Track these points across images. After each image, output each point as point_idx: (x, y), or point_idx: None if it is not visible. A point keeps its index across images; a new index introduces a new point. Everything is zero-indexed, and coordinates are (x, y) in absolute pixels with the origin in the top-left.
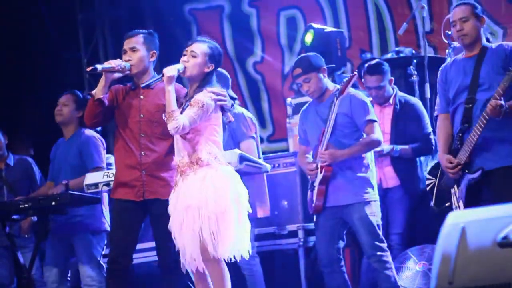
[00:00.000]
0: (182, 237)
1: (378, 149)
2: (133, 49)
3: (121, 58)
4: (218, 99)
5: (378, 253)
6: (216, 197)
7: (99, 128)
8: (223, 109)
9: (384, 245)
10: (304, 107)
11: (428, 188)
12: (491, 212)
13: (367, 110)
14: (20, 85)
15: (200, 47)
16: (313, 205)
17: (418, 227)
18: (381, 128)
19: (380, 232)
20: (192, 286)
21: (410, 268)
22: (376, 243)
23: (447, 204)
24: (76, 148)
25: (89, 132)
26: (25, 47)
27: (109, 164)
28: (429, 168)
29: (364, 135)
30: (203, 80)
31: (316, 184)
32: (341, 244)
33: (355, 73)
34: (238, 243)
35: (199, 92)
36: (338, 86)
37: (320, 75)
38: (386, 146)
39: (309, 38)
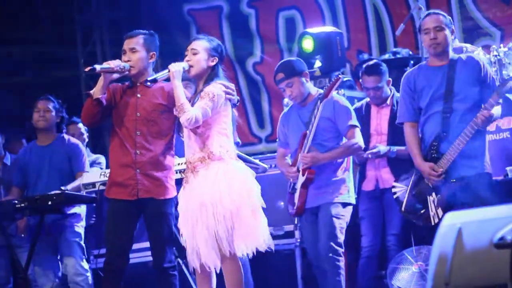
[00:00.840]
0: (195, 236)
1: (374, 150)
2: (132, 50)
3: (119, 58)
4: (227, 92)
5: (331, 255)
6: (229, 192)
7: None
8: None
9: (340, 250)
10: (285, 110)
11: (395, 197)
12: (487, 213)
13: (350, 116)
14: (17, 84)
15: (199, 44)
16: (295, 207)
17: (414, 228)
18: (378, 129)
19: (341, 236)
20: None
21: (407, 269)
22: (332, 244)
23: (422, 211)
24: (63, 153)
25: (71, 137)
26: (23, 47)
27: (98, 163)
28: None
29: (345, 140)
30: (210, 74)
31: (298, 186)
32: None
33: (340, 76)
34: (253, 238)
35: (207, 86)
36: (321, 91)
37: (302, 79)
38: (383, 147)
39: (309, 44)
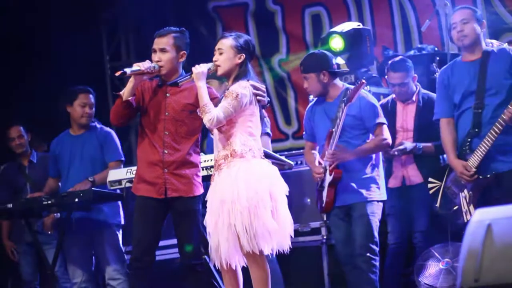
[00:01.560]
0: (217, 233)
1: (401, 147)
2: (163, 50)
3: (144, 56)
4: (257, 94)
5: (368, 254)
6: (247, 190)
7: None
8: (259, 104)
9: (376, 248)
10: (312, 102)
11: (431, 192)
12: None
13: (377, 113)
14: (42, 83)
15: (225, 42)
16: (323, 205)
17: (442, 224)
18: (404, 125)
19: (376, 235)
20: (215, 283)
21: (434, 266)
22: (369, 244)
23: (454, 208)
24: (96, 141)
25: (103, 126)
26: (47, 45)
27: None
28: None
29: (372, 137)
30: (238, 72)
31: (326, 184)
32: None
33: (363, 81)
34: (274, 236)
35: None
36: (347, 85)
37: (320, 76)
38: (409, 144)
39: (337, 43)
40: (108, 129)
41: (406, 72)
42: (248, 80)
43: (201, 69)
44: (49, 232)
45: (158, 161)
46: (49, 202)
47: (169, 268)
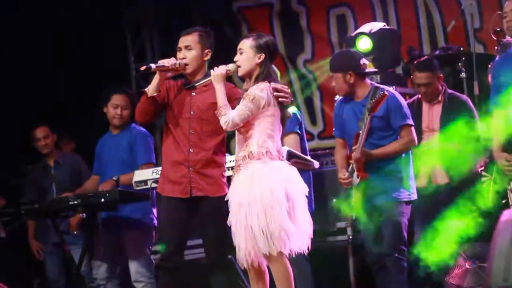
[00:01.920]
0: (237, 234)
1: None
2: (188, 48)
3: (169, 55)
4: (278, 95)
5: (396, 254)
6: (263, 192)
7: None
8: (282, 104)
9: (405, 249)
10: (340, 98)
11: (484, 185)
12: None
13: (404, 113)
14: (66, 82)
15: (245, 42)
16: (351, 206)
17: (469, 224)
18: (430, 125)
19: (405, 235)
20: (242, 284)
21: (461, 266)
22: (398, 244)
23: (503, 201)
24: (126, 142)
25: (139, 127)
26: (71, 45)
27: None
28: None
29: (399, 137)
30: (258, 73)
31: (354, 187)
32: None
33: (386, 93)
34: (292, 237)
35: (254, 85)
36: (376, 84)
37: (345, 77)
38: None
39: (366, 44)
40: (142, 130)
41: (432, 72)
42: (267, 81)
43: (219, 71)
44: (75, 232)
45: (184, 160)
46: (76, 202)
47: (195, 268)
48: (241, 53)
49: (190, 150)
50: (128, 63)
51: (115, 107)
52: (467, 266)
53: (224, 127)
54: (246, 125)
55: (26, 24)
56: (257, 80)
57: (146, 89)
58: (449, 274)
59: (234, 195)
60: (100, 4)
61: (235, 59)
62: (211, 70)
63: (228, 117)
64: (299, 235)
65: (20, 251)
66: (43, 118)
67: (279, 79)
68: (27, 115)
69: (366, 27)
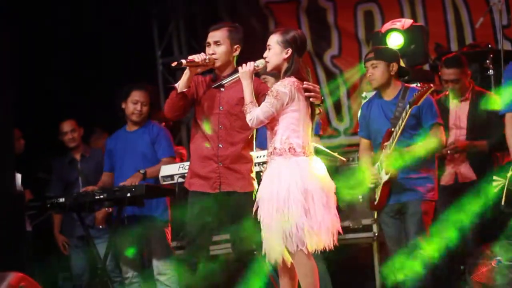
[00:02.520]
0: (263, 229)
1: (453, 146)
2: (217, 43)
3: (195, 52)
4: (309, 95)
5: (421, 252)
6: (279, 190)
7: None
8: (312, 103)
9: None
10: (368, 99)
11: (495, 190)
12: None
13: (435, 113)
14: (95, 78)
15: (272, 38)
16: (375, 202)
17: (494, 222)
18: (457, 123)
19: (428, 233)
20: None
21: (487, 264)
22: (422, 242)
23: None
24: (148, 137)
25: (158, 123)
26: (99, 43)
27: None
28: None
29: (428, 136)
30: (286, 68)
31: (380, 182)
32: None
33: (432, 85)
34: (313, 235)
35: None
36: (406, 85)
37: (389, 67)
38: (462, 142)
39: (398, 40)
40: (161, 126)
41: (460, 68)
42: (295, 77)
43: (246, 68)
44: (101, 227)
45: (213, 155)
46: (101, 196)
47: (222, 263)
48: (269, 49)
49: (220, 145)
50: (154, 58)
51: (135, 103)
52: (493, 265)
53: (249, 124)
54: (271, 122)
55: (51, 21)
56: (285, 75)
57: (176, 85)
58: (475, 272)
59: (260, 191)
60: (127, 2)
61: (264, 55)
62: (239, 67)
63: (253, 114)
64: (321, 232)
65: (46, 245)
66: (70, 112)
67: (309, 77)
68: (54, 109)
69: (397, 23)
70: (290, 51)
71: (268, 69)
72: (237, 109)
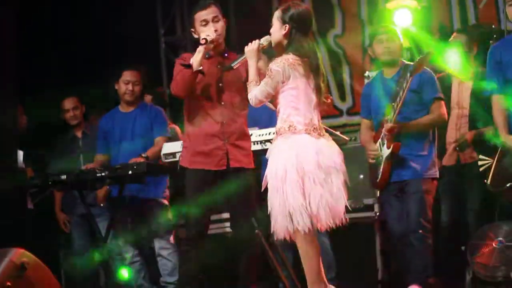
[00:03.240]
0: (268, 207)
1: (462, 141)
2: (215, 19)
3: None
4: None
5: (421, 231)
6: (277, 169)
7: None
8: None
9: (429, 226)
10: (369, 80)
11: (481, 169)
12: None
13: (436, 87)
14: (96, 58)
15: (275, 15)
16: (377, 180)
17: (495, 203)
18: (459, 102)
19: (429, 212)
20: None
21: (487, 245)
22: (422, 221)
23: (507, 185)
24: (146, 119)
25: (153, 104)
26: (101, 21)
27: None
28: None
29: (429, 112)
30: (285, 45)
31: (382, 159)
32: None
33: (430, 51)
34: (310, 214)
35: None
36: (408, 62)
37: (401, 48)
38: (469, 135)
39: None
40: (157, 107)
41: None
42: (293, 53)
43: (251, 47)
44: (102, 205)
45: (218, 132)
46: (103, 174)
47: (222, 242)
48: (272, 26)
49: (224, 122)
50: (158, 38)
51: (126, 83)
52: (494, 246)
53: (250, 103)
54: (275, 101)
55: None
56: (287, 53)
57: (191, 63)
58: (475, 253)
59: (266, 170)
60: None
61: (270, 31)
62: (245, 47)
63: (252, 94)
64: (319, 212)
65: (47, 223)
66: (70, 89)
67: (314, 54)
68: (56, 86)
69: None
70: (287, 27)
71: (273, 45)
72: (236, 86)
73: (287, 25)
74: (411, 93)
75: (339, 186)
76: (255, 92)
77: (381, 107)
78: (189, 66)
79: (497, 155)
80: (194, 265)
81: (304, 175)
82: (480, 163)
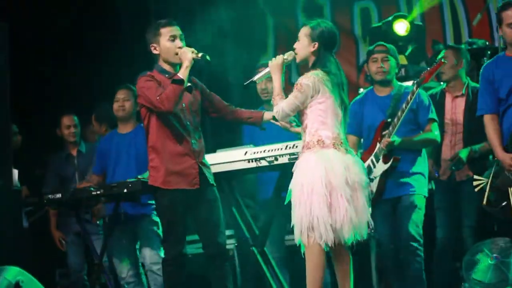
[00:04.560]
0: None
1: (457, 158)
2: (181, 37)
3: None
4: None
5: (415, 245)
6: (304, 182)
7: None
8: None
9: (421, 240)
10: (359, 96)
11: (476, 190)
12: None
13: (430, 109)
14: (92, 75)
15: (302, 30)
16: (372, 197)
17: (490, 219)
18: (453, 118)
19: (421, 227)
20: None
21: (483, 261)
22: (415, 235)
23: (503, 204)
24: (142, 141)
25: None
26: (97, 40)
27: None
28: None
29: (422, 132)
30: (314, 61)
31: (377, 175)
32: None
33: (443, 61)
34: (334, 230)
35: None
36: (403, 85)
37: (396, 67)
38: (464, 153)
39: (403, 28)
40: None
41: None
42: (320, 70)
43: (275, 61)
44: (97, 222)
45: (189, 151)
46: (98, 192)
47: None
48: (298, 40)
49: (193, 141)
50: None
51: (117, 101)
52: (489, 262)
53: (276, 117)
54: (302, 115)
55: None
56: (315, 68)
57: (181, 78)
58: (471, 269)
59: (291, 184)
60: None
61: (294, 46)
62: (269, 62)
63: (278, 107)
64: (343, 228)
65: (42, 241)
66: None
67: (339, 71)
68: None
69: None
70: (317, 45)
71: (297, 60)
72: (195, 106)
73: (316, 43)
74: (409, 111)
75: (364, 202)
76: (282, 105)
77: (375, 125)
78: (182, 81)
79: (491, 174)
80: (181, 285)
81: (332, 190)
82: (475, 183)
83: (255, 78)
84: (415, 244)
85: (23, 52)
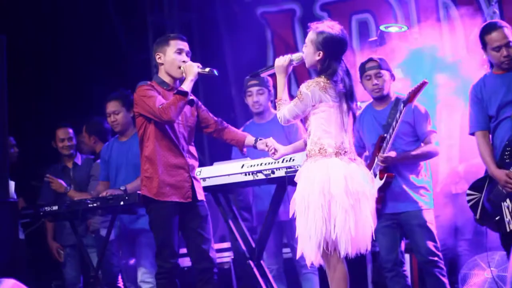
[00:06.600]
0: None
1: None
2: (188, 54)
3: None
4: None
5: (436, 258)
6: (304, 192)
7: None
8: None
9: (440, 255)
10: (360, 111)
11: (469, 204)
12: None
13: (429, 121)
14: (90, 87)
15: (309, 36)
16: None
17: (487, 233)
18: (450, 134)
19: (437, 241)
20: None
21: (479, 275)
22: (434, 250)
23: (496, 218)
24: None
25: None
26: (95, 50)
27: None
28: None
29: (423, 144)
30: (320, 69)
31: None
32: (402, 247)
33: (426, 81)
34: (332, 241)
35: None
36: (400, 95)
37: (391, 76)
38: (462, 167)
39: None
40: None
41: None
42: (324, 77)
43: (281, 62)
44: (93, 235)
45: (184, 164)
46: (94, 204)
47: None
48: (305, 46)
49: (187, 154)
50: (150, 69)
51: (108, 116)
52: (485, 275)
53: (279, 122)
54: (306, 123)
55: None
56: (319, 76)
57: (186, 90)
58: (467, 283)
59: (294, 194)
60: (123, 10)
61: (302, 50)
62: (276, 59)
63: (280, 113)
64: (341, 239)
65: (39, 253)
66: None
67: (348, 78)
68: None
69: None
70: (321, 54)
71: (307, 66)
72: (190, 121)
73: (320, 52)
74: (404, 124)
75: (367, 213)
76: (284, 111)
77: (372, 138)
78: (186, 93)
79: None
80: None
81: (331, 199)
82: (467, 198)
83: (260, 71)
84: (437, 258)
85: (20, 64)
